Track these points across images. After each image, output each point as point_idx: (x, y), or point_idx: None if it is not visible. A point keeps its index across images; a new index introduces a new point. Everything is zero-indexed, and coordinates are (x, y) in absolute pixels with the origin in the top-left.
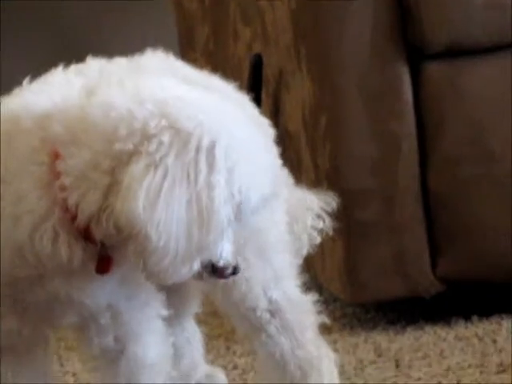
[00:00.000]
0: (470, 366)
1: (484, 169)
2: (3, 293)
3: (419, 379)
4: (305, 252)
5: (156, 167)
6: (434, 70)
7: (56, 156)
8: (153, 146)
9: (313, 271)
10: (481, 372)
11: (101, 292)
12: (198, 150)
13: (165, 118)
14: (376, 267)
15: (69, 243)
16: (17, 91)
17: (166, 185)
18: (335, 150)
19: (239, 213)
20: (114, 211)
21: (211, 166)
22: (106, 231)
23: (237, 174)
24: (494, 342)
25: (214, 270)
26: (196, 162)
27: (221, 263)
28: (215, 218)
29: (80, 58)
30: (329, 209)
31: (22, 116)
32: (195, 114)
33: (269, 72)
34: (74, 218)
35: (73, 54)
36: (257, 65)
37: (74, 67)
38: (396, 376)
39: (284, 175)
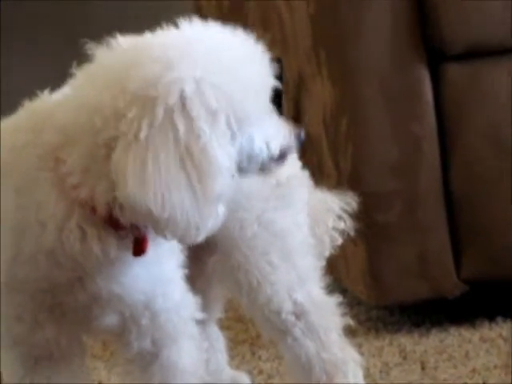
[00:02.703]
0: (495, 366)
1: (505, 169)
2: (41, 300)
3: (445, 381)
4: (327, 254)
5: (134, 144)
6: (454, 71)
7: (58, 160)
8: (124, 126)
9: (336, 274)
10: (506, 373)
11: (137, 282)
12: (167, 109)
13: (127, 93)
14: (399, 269)
15: (98, 236)
16: (25, 103)
17: (149, 156)
18: (357, 153)
19: (245, 124)
20: (118, 199)
21: (187, 117)
22: (130, 216)
23: (218, 108)
24: None
25: (279, 158)
26: (170, 121)
27: (276, 153)
28: (213, 163)
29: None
30: (349, 209)
31: (25, 128)
32: (152, 74)
33: (289, 76)
34: (94, 211)
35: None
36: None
37: None
38: (422, 378)
39: (304, 178)
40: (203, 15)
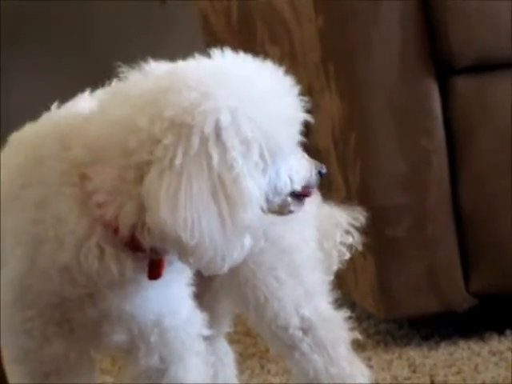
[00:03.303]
0: (504, 380)
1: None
2: (50, 315)
3: None
4: (335, 268)
5: (168, 171)
6: (463, 84)
7: (84, 177)
8: (159, 152)
9: (346, 288)
10: None
11: (148, 301)
12: (202, 138)
13: (164, 119)
14: (408, 283)
15: (116, 257)
16: (44, 116)
17: (182, 183)
18: (365, 167)
19: (276, 157)
20: (147, 223)
21: (222, 147)
22: (151, 241)
23: (251, 139)
24: None
25: (299, 195)
26: (205, 150)
27: (298, 187)
28: (245, 194)
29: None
30: (357, 224)
31: (47, 141)
32: (189, 102)
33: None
34: (116, 231)
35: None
36: None
37: (100, 91)
38: None
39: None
40: (212, 32)
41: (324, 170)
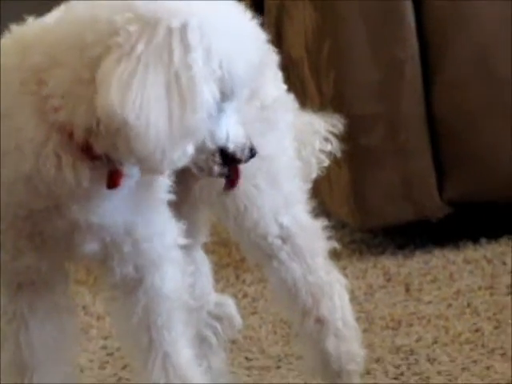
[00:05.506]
0: (479, 288)
1: (488, 91)
2: (21, 227)
3: (429, 303)
4: (314, 176)
5: (127, 56)
6: None
7: (41, 83)
8: (122, 38)
9: (320, 197)
10: (491, 294)
11: (116, 212)
12: (168, 32)
13: (129, 11)
14: (383, 192)
15: (73, 165)
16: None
17: (139, 70)
18: (339, 76)
19: (228, 88)
20: (97, 110)
21: (185, 46)
22: (104, 143)
23: (214, 49)
24: (504, 263)
25: (227, 159)
26: (168, 44)
27: (231, 146)
28: (198, 96)
29: None
30: (335, 131)
31: (10, 51)
32: (161, 2)
33: (270, 3)
34: (71, 136)
35: None
36: None
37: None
38: (406, 300)
39: (289, 100)
40: None
41: (256, 151)
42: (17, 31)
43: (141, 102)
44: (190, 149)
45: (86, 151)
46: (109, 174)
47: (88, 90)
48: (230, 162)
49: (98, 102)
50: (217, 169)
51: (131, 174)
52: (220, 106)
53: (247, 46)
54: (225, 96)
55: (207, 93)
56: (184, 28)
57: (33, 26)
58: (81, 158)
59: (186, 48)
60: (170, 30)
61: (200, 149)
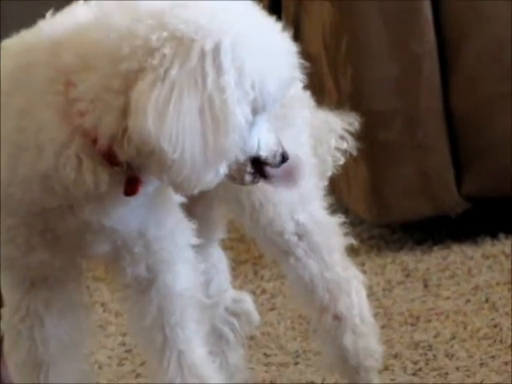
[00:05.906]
0: (497, 283)
1: (505, 86)
2: (33, 224)
3: (448, 298)
4: (330, 174)
5: (162, 80)
6: None
7: (70, 84)
8: (156, 60)
9: (338, 194)
10: (509, 289)
11: (131, 217)
12: (201, 55)
13: (165, 30)
14: (401, 188)
15: (93, 169)
16: (38, 23)
17: (173, 96)
18: (357, 72)
19: (259, 106)
20: (129, 131)
21: (218, 68)
22: (128, 153)
23: (247, 69)
24: None
25: (259, 168)
26: (202, 67)
27: (263, 155)
28: (231, 119)
29: None
30: (351, 129)
31: (38, 48)
32: (195, 19)
33: None
34: (95, 142)
35: None
36: None
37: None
38: (424, 296)
39: (306, 97)
40: None
41: (288, 156)
42: (44, 27)
43: (177, 132)
44: (223, 169)
45: (108, 157)
46: (127, 181)
47: (117, 99)
48: (261, 169)
49: (132, 125)
50: (248, 178)
51: (149, 181)
52: (251, 121)
53: (279, 63)
54: (256, 113)
55: (240, 115)
56: (217, 49)
57: (63, 24)
58: (102, 163)
59: (219, 71)
60: (203, 53)
61: (232, 162)
